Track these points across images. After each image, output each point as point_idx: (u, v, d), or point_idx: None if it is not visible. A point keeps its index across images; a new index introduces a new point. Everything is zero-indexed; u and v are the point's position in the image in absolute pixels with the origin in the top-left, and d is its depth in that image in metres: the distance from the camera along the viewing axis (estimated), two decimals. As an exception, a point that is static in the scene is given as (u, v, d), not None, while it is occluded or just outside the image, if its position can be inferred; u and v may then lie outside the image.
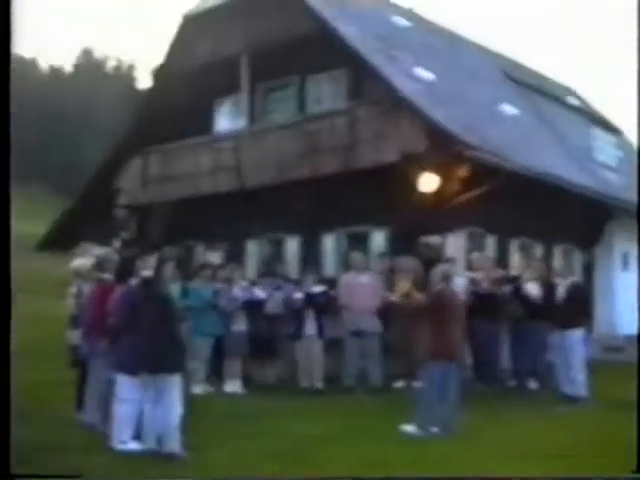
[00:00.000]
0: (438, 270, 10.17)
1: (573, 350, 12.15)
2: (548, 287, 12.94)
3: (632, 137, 25.62)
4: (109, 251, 10.67)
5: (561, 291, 12.56)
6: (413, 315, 11.17)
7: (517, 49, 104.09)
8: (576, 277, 15.08)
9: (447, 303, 9.76)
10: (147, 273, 9.06)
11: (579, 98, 28.84)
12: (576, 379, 12.08)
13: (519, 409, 11.08)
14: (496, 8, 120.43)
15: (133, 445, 8.45)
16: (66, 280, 11.83)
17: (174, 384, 8.32)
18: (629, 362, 17.32)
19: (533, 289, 12.99)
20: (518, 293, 13.11)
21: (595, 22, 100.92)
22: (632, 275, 21.03)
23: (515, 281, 13.46)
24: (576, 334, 12.23)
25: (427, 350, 9.64)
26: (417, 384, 10.25)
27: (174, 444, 8.16)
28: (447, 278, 9.98)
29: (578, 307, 12.40)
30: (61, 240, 20.71)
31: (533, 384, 13.05)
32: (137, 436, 8.51)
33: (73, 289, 10.67)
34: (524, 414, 10.69)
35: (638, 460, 6.92)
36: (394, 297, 11.71)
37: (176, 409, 8.24)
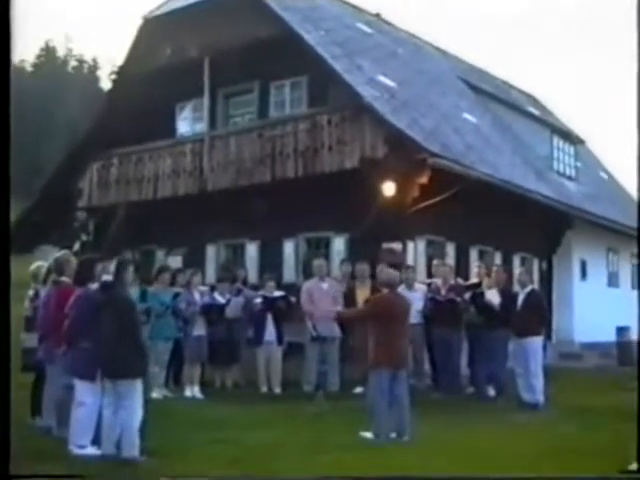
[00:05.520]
0: (382, 276, 10.02)
1: (531, 357, 12.25)
2: (507, 295, 13.03)
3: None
4: (67, 253, 10.42)
5: (519, 299, 12.65)
6: (361, 322, 11.03)
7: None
8: (534, 285, 15.19)
9: (390, 310, 9.58)
10: (107, 277, 8.95)
11: (541, 107, 29.14)
12: (534, 386, 12.18)
13: (477, 416, 11.10)
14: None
15: (91, 450, 8.34)
16: (22, 282, 11.62)
17: (135, 389, 8.21)
18: (586, 369, 17.65)
19: (492, 297, 13.04)
20: (477, 301, 13.16)
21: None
22: (590, 284, 21.34)
23: (474, 288, 13.51)
24: (534, 342, 12.34)
25: (372, 357, 9.50)
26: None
27: (133, 449, 8.07)
28: (392, 285, 9.74)
29: (536, 315, 12.50)
30: (18, 242, 20.45)
31: (491, 391, 13.11)
32: (95, 441, 8.40)
33: (30, 292, 10.50)
34: (482, 421, 10.70)
35: (638, 460, 6.92)
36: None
37: (137, 414, 8.14)
